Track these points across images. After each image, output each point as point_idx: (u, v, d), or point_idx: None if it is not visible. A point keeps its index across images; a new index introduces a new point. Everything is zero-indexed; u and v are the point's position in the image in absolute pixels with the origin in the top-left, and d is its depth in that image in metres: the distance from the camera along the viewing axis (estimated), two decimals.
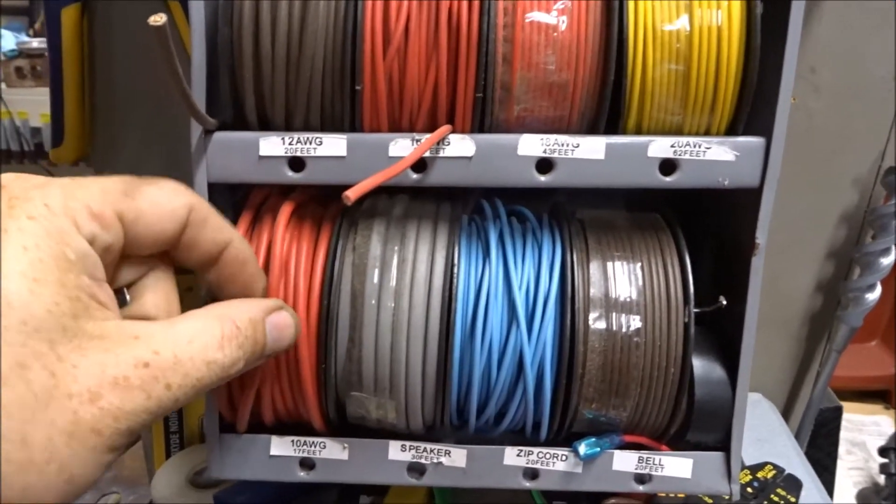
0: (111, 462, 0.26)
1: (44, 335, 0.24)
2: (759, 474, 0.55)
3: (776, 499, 0.53)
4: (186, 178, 0.63)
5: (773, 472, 0.55)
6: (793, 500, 0.53)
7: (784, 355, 0.68)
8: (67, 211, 0.27)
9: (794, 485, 0.54)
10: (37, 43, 2.52)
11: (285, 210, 0.40)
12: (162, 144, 0.56)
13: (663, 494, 0.52)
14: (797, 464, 0.57)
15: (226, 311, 0.31)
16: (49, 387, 0.24)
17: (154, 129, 0.57)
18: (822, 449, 0.80)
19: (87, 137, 0.63)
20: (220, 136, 0.39)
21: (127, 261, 0.31)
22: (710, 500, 0.52)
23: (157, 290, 0.32)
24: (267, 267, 0.40)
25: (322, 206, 0.44)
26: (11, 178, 0.27)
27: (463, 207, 0.45)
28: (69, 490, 0.25)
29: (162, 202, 0.30)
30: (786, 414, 0.72)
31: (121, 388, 0.26)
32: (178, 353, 0.28)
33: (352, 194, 0.32)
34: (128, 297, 0.32)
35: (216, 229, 0.33)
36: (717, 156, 0.39)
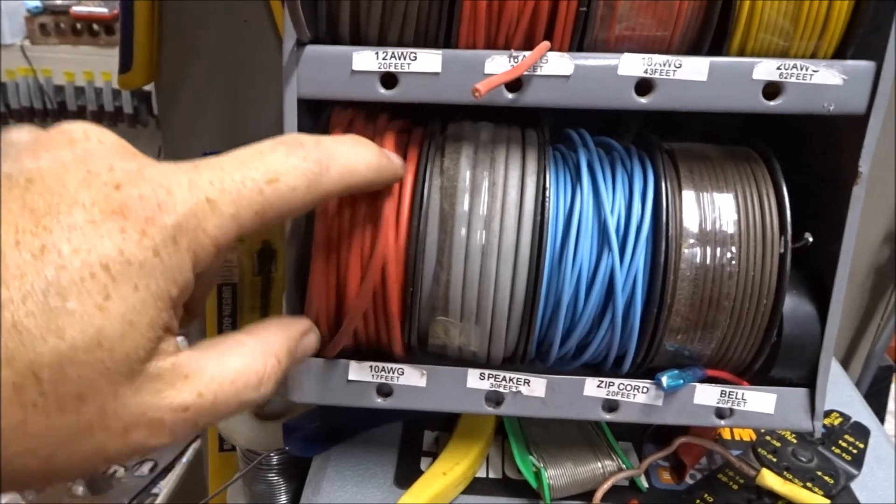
0: None
1: (112, 377, 0.23)
2: (826, 421, 0.54)
3: (844, 444, 0.52)
4: (252, 102, 0.62)
5: (840, 419, 0.55)
6: (861, 445, 0.52)
7: (846, 306, 0.67)
8: (193, 246, 0.25)
9: (861, 432, 0.54)
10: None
11: (390, 134, 0.39)
12: (229, 70, 0.55)
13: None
14: (862, 412, 0.56)
15: (270, 346, 0.31)
16: (93, 421, 0.24)
17: (221, 55, 0.56)
18: (870, 407, 0.79)
19: (156, 63, 0.63)
20: (312, 49, 0.38)
21: None
22: (778, 445, 0.51)
23: (206, 288, 0.32)
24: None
25: (405, 133, 0.43)
26: (153, 188, 0.24)
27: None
28: (53, 483, 0.25)
29: (293, 202, 0.28)
30: (844, 366, 0.71)
31: (154, 428, 0.25)
32: (218, 396, 0.27)
33: (482, 87, 0.31)
34: None
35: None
36: (823, 80, 0.38)
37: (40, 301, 0.22)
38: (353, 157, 0.32)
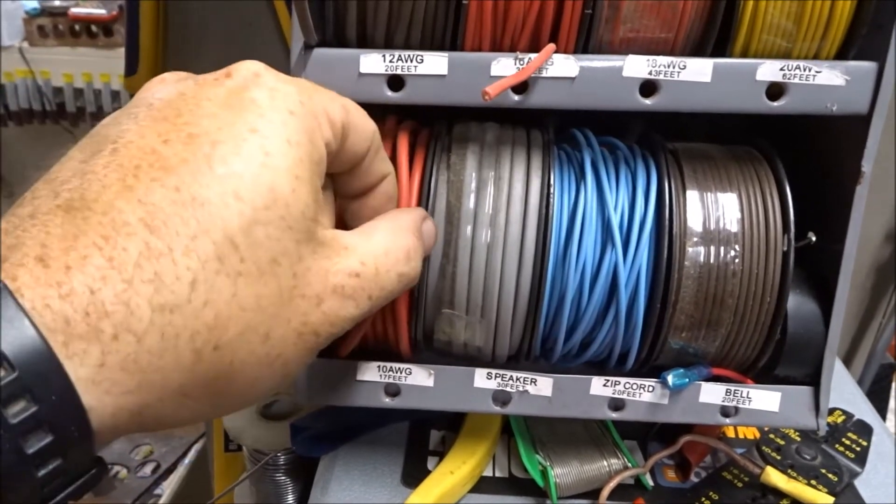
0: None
1: (294, 234, 0.25)
2: (830, 419, 0.55)
3: (848, 442, 0.53)
4: None
5: (843, 417, 0.55)
6: (864, 443, 0.53)
7: (848, 304, 0.67)
8: (316, 112, 0.27)
9: (864, 430, 0.54)
10: (59, 1, 2.51)
11: (403, 137, 0.40)
12: None
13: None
14: (865, 410, 0.57)
15: (405, 224, 0.32)
16: (291, 286, 0.25)
17: (226, 59, 0.57)
18: (872, 404, 0.79)
19: (161, 67, 0.63)
20: (320, 52, 0.39)
21: None
22: (782, 443, 0.52)
23: (331, 211, 0.32)
24: None
25: (412, 134, 0.44)
26: (263, 68, 0.27)
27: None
28: (282, 384, 0.26)
29: (363, 123, 0.30)
30: (846, 365, 0.71)
31: (339, 295, 0.27)
32: (379, 266, 0.29)
33: (492, 91, 0.31)
34: None
35: (384, 159, 0.33)
36: (826, 80, 0.38)
37: (208, 173, 0.23)
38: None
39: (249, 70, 0.27)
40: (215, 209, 0.23)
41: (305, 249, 0.25)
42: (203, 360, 0.23)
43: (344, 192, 0.34)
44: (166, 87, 0.27)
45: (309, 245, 0.26)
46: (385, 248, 0.30)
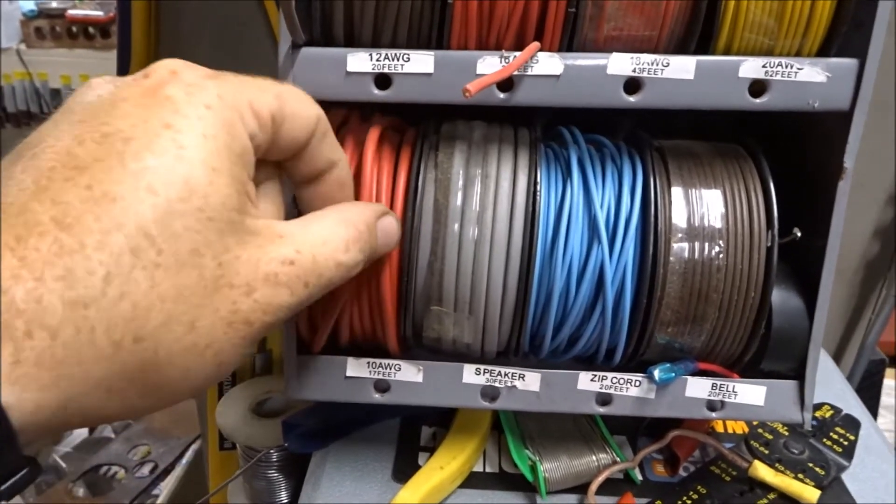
0: (248, 354, 0.27)
1: (216, 225, 0.25)
2: (818, 414, 0.55)
3: (835, 436, 0.53)
4: None
5: (831, 411, 0.56)
6: (852, 437, 0.53)
7: (837, 300, 0.68)
8: (236, 105, 0.27)
9: (852, 424, 0.54)
10: (56, 3, 2.51)
11: (373, 132, 0.40)
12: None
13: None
14: (854, 405, 0.57)
15: (349, 216, 0.32)
16: (217, 276, 0.25)
17: (219, 63, 0.57)
18: (863, 401, 0.80)
19: None
20: (307, 51, 0.39)
21: (259, 164, 0.31)
22: (770, 437, 0.52)
23: (273, 199, 0.32)
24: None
25: (399, 132, 0.44)
26: (182, 66, 0.27)
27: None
28: (217, 374, 0.26)
29: (302, 110, 0.31)
30: (836, 360, 0.72)
31: (271, 283, 0.27)
32: (315, 254, 0.29)
33: (472, 88, 0.32)
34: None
35: (332, 146, 0.34)
36: (808, 77, 0.38)
37: (120, 170, 0.23)
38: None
39: (166, 68, 0.27)
40: (128, 204, 0.23)
41: (231, 239, 0.26)
42: (124, 351, 0.23)
43: (294, 179, 0.34)
44: (91, 91, 0.27)
45: (235, 235, 0.26)
46: (323, 237, 0.30)
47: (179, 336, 0.24)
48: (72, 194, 0.23)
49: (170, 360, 0.24)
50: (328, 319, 0.42)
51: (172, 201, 0.24)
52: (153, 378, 0.24)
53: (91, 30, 2.45)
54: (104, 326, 0.23)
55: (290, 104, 0.30)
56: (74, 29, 2.47)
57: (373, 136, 0.40)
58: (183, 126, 0.25)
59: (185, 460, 1.47)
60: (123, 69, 0.63)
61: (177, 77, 0.26)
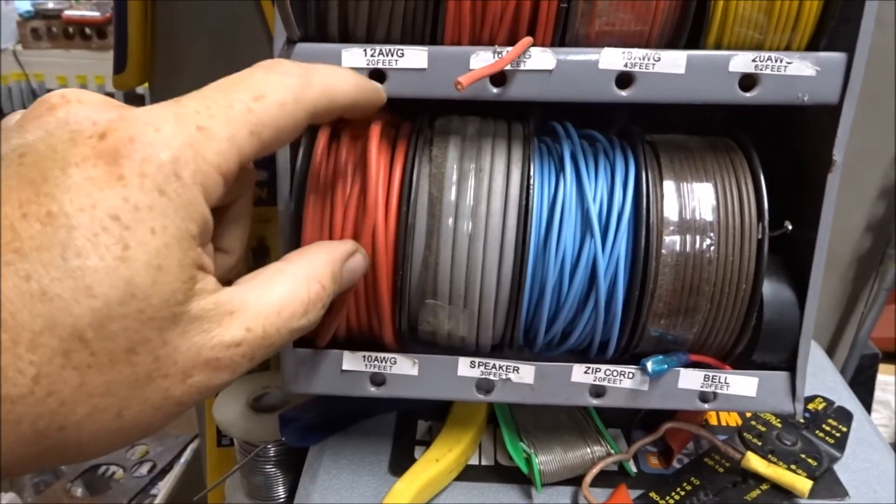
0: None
1: (156, 323, 0.24)
2: (810, 406, 0.56)
3: (828, 428, 0.54)
4: None
5: (824, 404, 0.56)
6: (844, 429, 0.54)
7: (830, 295, 0.69)
8: (198, 178, 0.25)
9: (844, 416, 0.55)
10: (52, 3, 2.51)
11: (375, 127, 0.40)
12: (221, 71, 0.56)
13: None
14: (846, 398, 0.58)
15: (312, 271, 0.31)
16: (150, 370, 0.24)
17: (215, 56, 0.58)
18: (857, 395, 0.80)
19: (149, 64, 0.64)
20: (302, 46, 0.39)
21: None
22: (763, 429, 0.52)
23: (237, 225, 0.32)
24: (348, 182, 0.40)
25: (394, 127, 0.45)
26: (140, 130, 0.24)
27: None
28: (140, 438, 0.26)
29: (285, 118, 0.29)
30: (829, 354, 0.72)
31: (211, 367, 0.26)
32: (268, 328, 0.28)
33: (465, 80, 0.32)
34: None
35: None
36: (797, 71, 0.39)
37: (61, 265, 0.22)
38: (331, 72, 0.32)
39: (126, 133, 0.24)
40: (65, 304, 0.22)
41: (172, 333, 0.25)
42: (48, 438, 0.23)
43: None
44: (47, 119, 0.25)
45: (178, 327, 0.25)
46: (281, 303, 0.29)
47: (104, 423, 0.24)
48: (11, 283, 0.22)
49: (92, 441, 0.24)
50: (336, 317, 0.42)
51: (112, 304, 0.23)
52: (71, 453, 0.24)
53: (87, 30, 2.45)
54: (30, 420, 0.23)
55: (269, 128, 0.28)
56: (71, 29, 2.48)
57: (375, 130, 0.40)
58: (130, 221, 0.23)
59: (183, 460, 1.46)
60: (120, 65, 0.63)
61: (133, 147, 0.24)
